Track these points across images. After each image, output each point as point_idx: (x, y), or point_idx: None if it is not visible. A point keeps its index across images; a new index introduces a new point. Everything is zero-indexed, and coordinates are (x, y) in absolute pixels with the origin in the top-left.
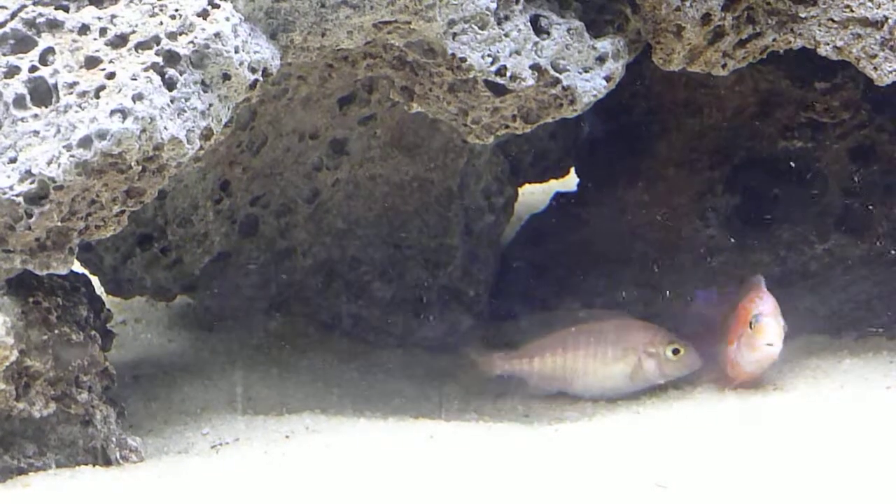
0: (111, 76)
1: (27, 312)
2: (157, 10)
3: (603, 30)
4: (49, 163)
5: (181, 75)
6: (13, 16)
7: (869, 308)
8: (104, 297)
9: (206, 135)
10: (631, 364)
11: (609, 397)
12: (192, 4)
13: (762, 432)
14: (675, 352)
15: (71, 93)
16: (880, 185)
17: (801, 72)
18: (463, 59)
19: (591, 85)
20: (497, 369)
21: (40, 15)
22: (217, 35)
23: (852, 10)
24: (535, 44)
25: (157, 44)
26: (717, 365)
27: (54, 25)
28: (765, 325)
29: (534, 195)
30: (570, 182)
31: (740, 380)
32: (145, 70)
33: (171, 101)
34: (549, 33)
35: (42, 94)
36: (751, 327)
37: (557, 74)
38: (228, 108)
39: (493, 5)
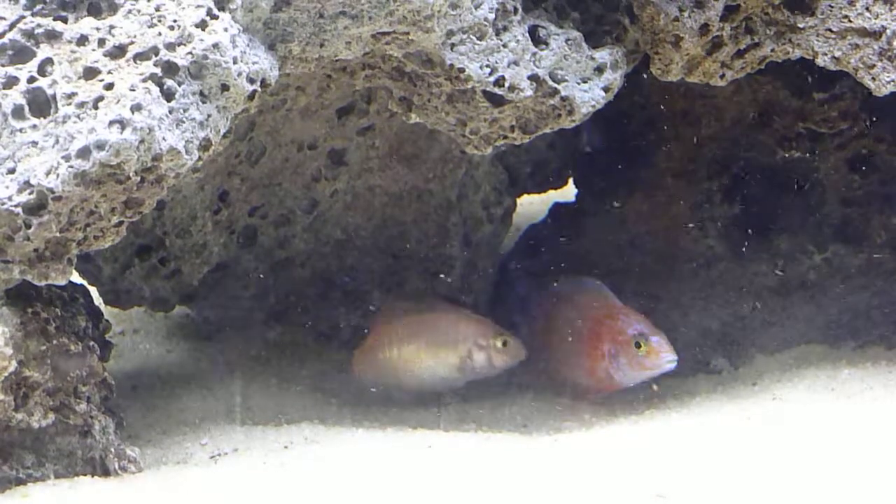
0: (109, 87)
1: (26, 323)
2: (155, 20)
3: (601, 40)
4: (48, 173)
5: (179, 86)
6: (12, 27)
7: (867, 318)
8: (103, 307)
9: (205, 145)
10: (461, 357)
11: (439, 390)
12: (191, 15)
13: (761, 442)
14: (504, 343)
15: (69, 103)
16: (879, 194)
17: (799, 82)
18: (461, 70)
19: (589, 95)
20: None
21: (39, 26)
22: (215, 46)
23: (850, 21)
24: (534, 54)
25: (156, 54)
26: (578, 378)
27: (53, 36)
28: (657, 344)
29: (532, 205)
30: (569, 192)
31: (608, 392)
32: (144, 81)
33: (170, 112)
34: (547, 44)
35: (41, 104)
36: (638, 347)
37: (556, 85)
38: (227, 119)
39: (492, 16)
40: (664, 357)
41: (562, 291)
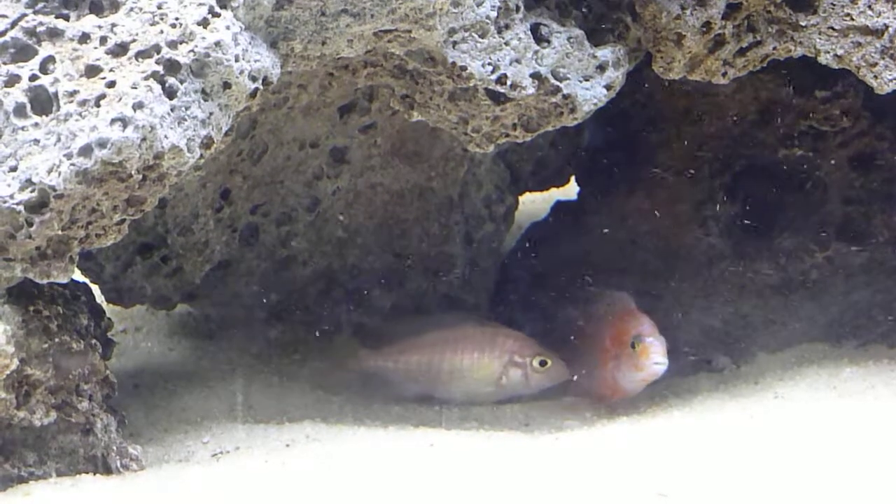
0: (111, 85)
1: (28, 321)
2: (157, 18)
3: (603, 38)
4: (49, 171)
5: (181, 84)
6: (13, 25)
7: (869, 316)
8: (104, 305)
9: (207, 143)
10: (497, 372)
11: (473, 403)
12: (193, 13)
13: (762, 441)
14: (542, 363)
15: (71, 101)
16: (881, 193)
17: (801, 80)
18: (463, 68)
19: (591, 93)
20: (363, 365)
21: (41, 24)
22: (217, 44)
23: (852, 19)
24: (536, 52)
25: (158, 52)
26: (585, 382)
27: (55, 34)
28: (649, 344)
29: (534, 203)
30: (571, 190)
31: (618, 398)
32: (146, 79)
33: (172, 110)
34: (549, 42)
35: (42, 102)
36: (633, 347)
37: (558, 83)
38: (229, 117)
39: (494, 14)
40: (653, 358)
41: (586, 303)
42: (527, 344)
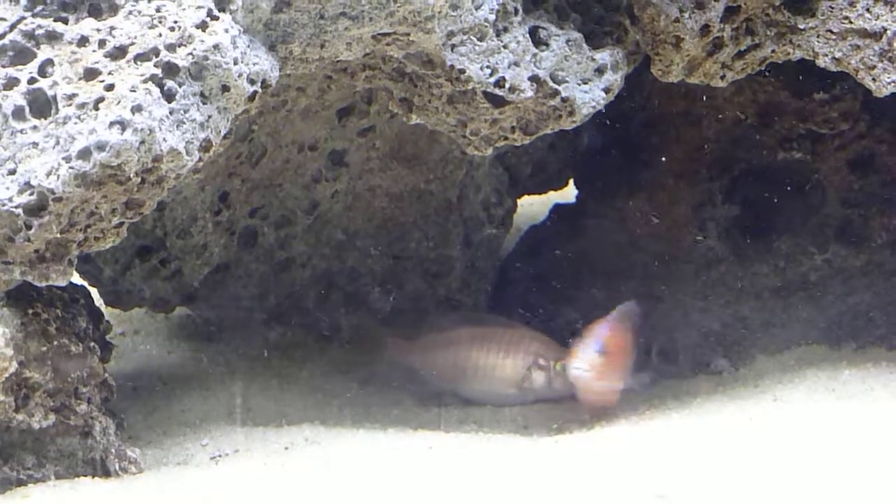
0: (110, 88)
1: (26, 324)
2: (156, 21)
3: (602, 41)
4: (48, 174)
5: (180, 87)
6: (12, 28)
7: (868, 319)
8: (103, 308)
9: (206, 146)
10: (520, 374)
11: (496, 404)
12: (192, 16)
13: (761, 443)
14: (566, 367)
15: (70, 104)
16: (879, 195)
17: (800, 83)
18: (462, 71)
19: (589, 96)
20: (390, 354)
21: (39, 27)
22: (216, 47)
23: (851, 22)
24: (534, 55)
25: (156, 55)
26: None
27: (53, 37)
28: (577, 349)
29: (533, 206)
30: (570, 193)
31: (586, 405)
32: (144, 82)
33: (170, 113)
34: (547, 45)
35: (41, 105)
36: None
37: (556, 86)
38: (227, 120)
39: (492, 17)
40: (573, 363)
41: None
42: (552, 347)
